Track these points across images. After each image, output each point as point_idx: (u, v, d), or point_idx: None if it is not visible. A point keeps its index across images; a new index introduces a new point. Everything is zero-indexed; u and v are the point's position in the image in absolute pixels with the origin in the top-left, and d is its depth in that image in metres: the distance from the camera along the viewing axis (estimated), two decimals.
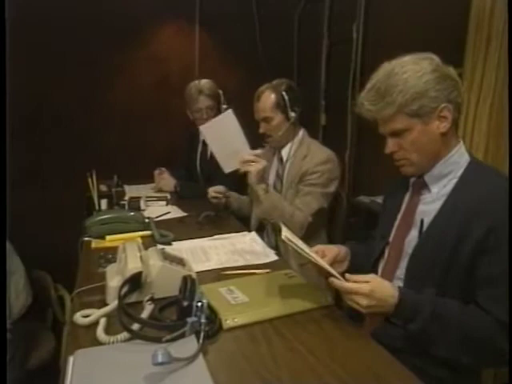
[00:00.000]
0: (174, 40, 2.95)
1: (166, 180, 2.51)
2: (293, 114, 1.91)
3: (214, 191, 2.08)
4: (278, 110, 1.90)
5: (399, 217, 1.26)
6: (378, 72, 1.13)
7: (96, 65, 2.75)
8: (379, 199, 2.30)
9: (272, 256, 1.57)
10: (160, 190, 2.46)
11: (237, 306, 1.13)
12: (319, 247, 1.27)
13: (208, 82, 2.43)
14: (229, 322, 1.05)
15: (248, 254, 1.57)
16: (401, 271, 1.19)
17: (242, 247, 1.65)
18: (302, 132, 2.00)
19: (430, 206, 1.16)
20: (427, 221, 1.14)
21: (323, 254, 1.24)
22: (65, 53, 2.65)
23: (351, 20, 2.69)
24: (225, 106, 2.34)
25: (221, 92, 2.42)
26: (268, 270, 1.41)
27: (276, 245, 1.91)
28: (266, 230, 2.07)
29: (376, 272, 1.27)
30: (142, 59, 2.90)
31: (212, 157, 2.10)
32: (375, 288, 1.01)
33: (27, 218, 2.47)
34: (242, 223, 2.06)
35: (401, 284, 1.16)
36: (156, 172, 2.54)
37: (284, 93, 1.88)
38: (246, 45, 3.00)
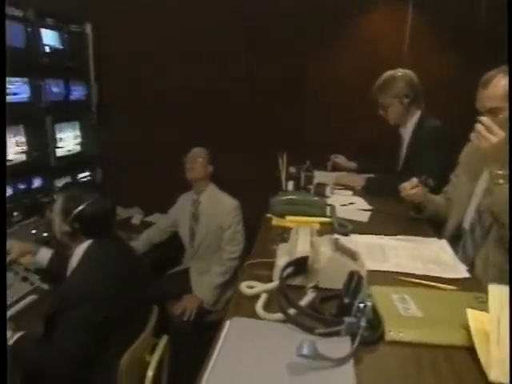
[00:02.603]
0: (381, 23, 2.77)
1: (351, 176, 2.43)
2: None
3: (411, 185, 1.76)
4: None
5: None
6: None
7: (295, 50, 2.80)
8: None
9: (463, 272, 1.33)
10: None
11: (407, 318, 0.99)
12: None
13: (403, 76, 2.19)
14: (393, 333, 0.93)
15: (432, 264, 1.37)
16: None
17: (427, 255, 1.45)
18: None
19: None
20: None
21: None
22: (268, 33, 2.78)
23: None
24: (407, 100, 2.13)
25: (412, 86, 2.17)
26: (453, 288, 1.20)
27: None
28: (463, 240, 1.76)
29: None
30: (346, 44, 2.82)
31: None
32: None
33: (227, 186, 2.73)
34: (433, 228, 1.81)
35: None
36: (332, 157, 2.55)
37: None
38: (464, 26, 2.58)
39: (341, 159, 2.65)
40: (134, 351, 1.57)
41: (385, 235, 1.60)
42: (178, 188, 2.61)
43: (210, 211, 2.48)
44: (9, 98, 2.10)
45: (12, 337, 1.42)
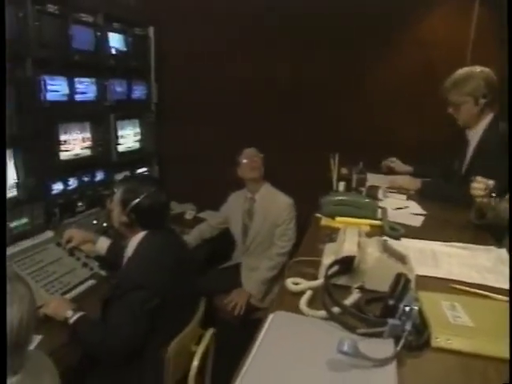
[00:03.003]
0: (444, 21, 2.65)
1: (406, 179, 2.34)
2: None
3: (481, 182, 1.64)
4: None
5: None
6: None
7: (353, 49, 2.76)
8: None
9: None
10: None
11: (456, 326, 0.95)
12: None
13: (481, 73, 2.01)
14: (440, 340, 0.90)
15: (489, 273, 1.30)
16: None
17: (483, 264, 1.38)
18: None
19: None
20: None
21: None
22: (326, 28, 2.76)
23: None
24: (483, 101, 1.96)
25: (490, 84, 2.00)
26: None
27: None
28: None
29: None
30: (406, 43, 2.73)
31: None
32: None
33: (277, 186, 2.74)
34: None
35: None
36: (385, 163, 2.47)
37: None
38: None
39: (396, 164, 2.58)
40: (182, 340, 1.64)
41: (438, 241, 1.54)
42: (230, 186, 2.66)
43: (265, 209, 2.52)
44: (77, 97, 2.26)
45: (72, 316, 1.53)
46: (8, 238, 1.86)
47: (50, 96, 2.07)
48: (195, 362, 1.69)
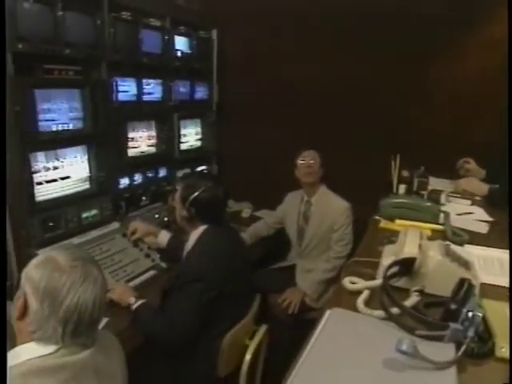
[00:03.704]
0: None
1: (472, 183, 2.23)
2: None
3: None
4: None
5: None
6: None
7: (420, 49, 2.66)
8: None
9: None
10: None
11: None
12: None
13: None
14: (505, 350, 0.86)
15: None
16: None
17: None
18: None
19: None
20: None
21: None
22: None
23: None
24: None
25: None
26: None
27: None
28: None
29: None
30: (474, 44, 2.60)
31: None
32: None
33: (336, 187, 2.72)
34: None
35: None
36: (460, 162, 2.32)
37: None
38: None
39: (471, 164, 2.42)
40: (236, 333, 1.68)
41: (505, 250, 1.46)
42: (287, 186, 2.67)
43: (321, 212, 2.49)
44: (145, 97, 2.39)
45: (135, 303, 1.62)
46: (79, 227, 2.01)
47: (120, 96, 2.21)
48: (248, 356, 1.72)
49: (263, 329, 1.84)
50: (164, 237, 2.08)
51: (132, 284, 1.86)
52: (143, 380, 1.52)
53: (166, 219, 2.52)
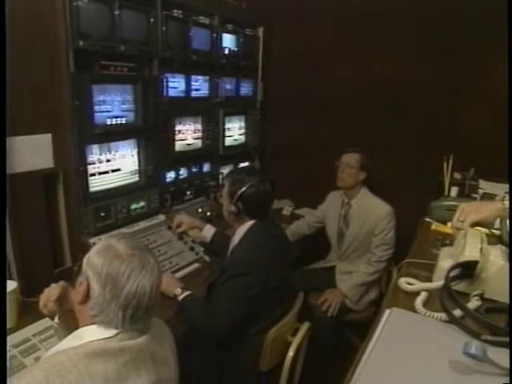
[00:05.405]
0: None
1: None
2: None
3: None
4: None
5: None
6: None
7: (474, 49, 2.56)
8: None
9: None
10: None
11: None
12: None
13: None
14: None
15: None
16: None
17: None
18: None
19: None
20: None
21: None
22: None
23: None
24: None
25: None
26: None
27: None
28: None
29: None
30: None
31: None
32: None
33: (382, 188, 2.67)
34: None
35: None
36: None
37: None
38: None
39: None
40: (279, 329, 1.69)
41: None
42: (328, 185, 2.65)
43: (361, 216, 2.44)
44: (193, 94, 2.44)
45: (181, 294, 1.66)
46: (128, 218, 2.08)
47: (170, 92, 2.26)
48: (290, 353, 1.73)
49: (306, 326, 1.84)
50: (209, 231, 2.12)
51: (177, 275, 1.90)
52: (189, 366, 1.56)
53: (208, 214, 2.56)
